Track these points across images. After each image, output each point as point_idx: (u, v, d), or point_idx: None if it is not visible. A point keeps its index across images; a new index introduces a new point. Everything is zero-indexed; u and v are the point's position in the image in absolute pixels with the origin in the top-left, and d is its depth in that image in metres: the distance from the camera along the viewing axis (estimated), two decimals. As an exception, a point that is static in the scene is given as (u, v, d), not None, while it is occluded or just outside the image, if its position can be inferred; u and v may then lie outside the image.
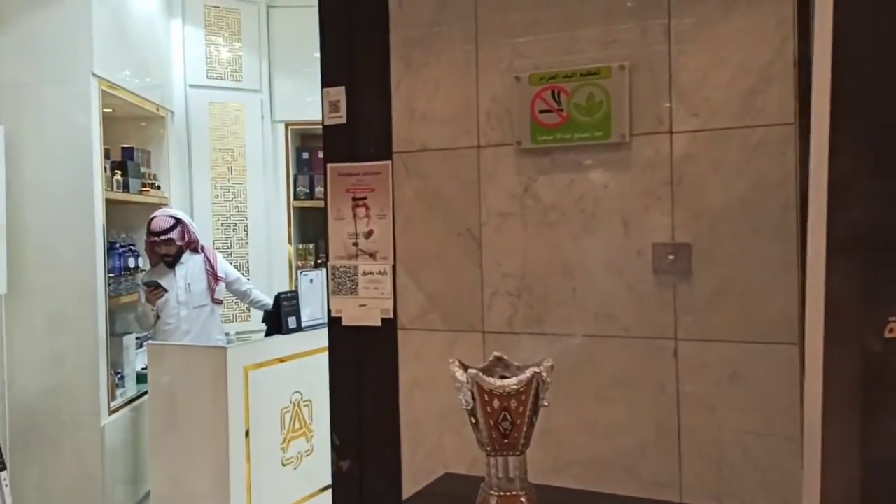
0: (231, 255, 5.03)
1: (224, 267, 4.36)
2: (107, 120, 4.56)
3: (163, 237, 4.11)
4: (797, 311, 1.70)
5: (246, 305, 4.77)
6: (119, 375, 4.24)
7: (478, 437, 1.35)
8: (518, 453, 1.33)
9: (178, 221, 4.19)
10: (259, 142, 5.18)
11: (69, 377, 3.81)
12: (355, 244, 2.21)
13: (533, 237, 2.03)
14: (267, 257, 5.19)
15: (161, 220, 4.15)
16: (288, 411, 3.77)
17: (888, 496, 1.22)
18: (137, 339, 4.48)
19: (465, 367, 1.33)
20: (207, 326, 4.22)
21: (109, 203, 4.22)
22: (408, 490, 2.17)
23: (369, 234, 2.19)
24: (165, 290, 4.08)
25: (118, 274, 4.39)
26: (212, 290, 4.26)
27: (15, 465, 3.75)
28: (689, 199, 1.82)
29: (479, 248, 2.09)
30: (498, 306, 2.07)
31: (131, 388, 4.29)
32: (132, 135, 4.77)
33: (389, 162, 2.17)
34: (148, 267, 4.37)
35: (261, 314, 4.28)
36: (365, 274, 2.20)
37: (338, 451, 2.27)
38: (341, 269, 2.23)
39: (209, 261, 4.27)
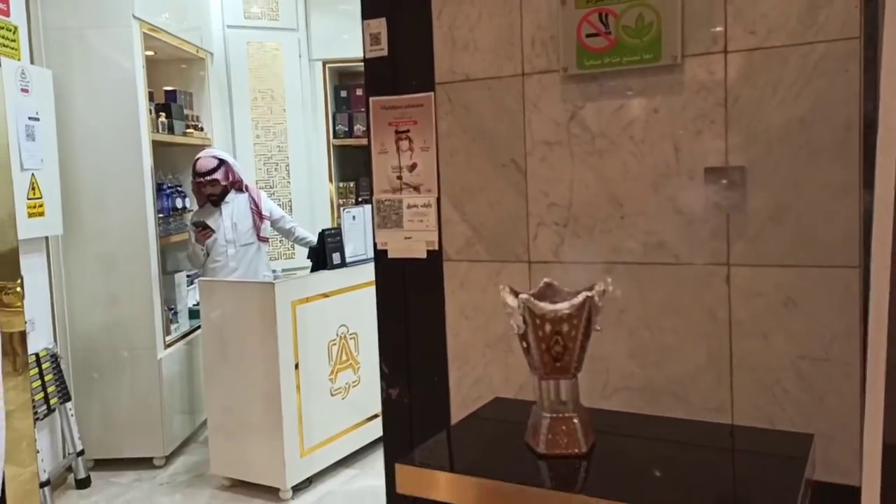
0: (274, 194, 5.03)
1: (268, 205, 4.36)
2: (149, 63, 4.54)
3: (207, 178, 4.11)
4: (858, 234, 1.62)
5: (291, 243, 4.79)
6: (172, 311, 4.32)
7: (529, 362, 1.32)
8: (571, 377, 1.30)
9: (222, 162, 4.18)
10: (297, 81, 5.11)
11: (125, 314, 3.89)
12: (399, 177, 2.16)
13: (579, 166, 1.95)
14: (308, 196, 5.18)
15: (205, 160, 4.14)
16: (335, 344, 3.81)
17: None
18: (188, 276, 4.54)
19: (515, 294, 1.29)
20: (254, 264, 4.25)
21: (155, 145, 4.23)
22: (456, 416, 2.17)
23: (413, 167, 2.14)
24: (213, 231, 4.10)
25: (167, 214, 4.43)
26: (257, 228, 4.27)
27: (79, 397, 3.88)
28: (745, 121, 1.72)
29: (524, 178, 2.02)
30: (544, 236, 2.02)
31: (184, 324, 4.37)
32: (174, 77, 4.74)
33: (432, 93, 2.10)
34: (195, 207, 4.40)
35: (305, 251, 4.29)
36: (410, 207, 2.16)
37: (387, 380, 2.28)
38: (386, 203, 2.19)
39: (253, 200, 4.27)
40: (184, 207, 4.61)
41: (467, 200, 2.10)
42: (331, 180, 5.22)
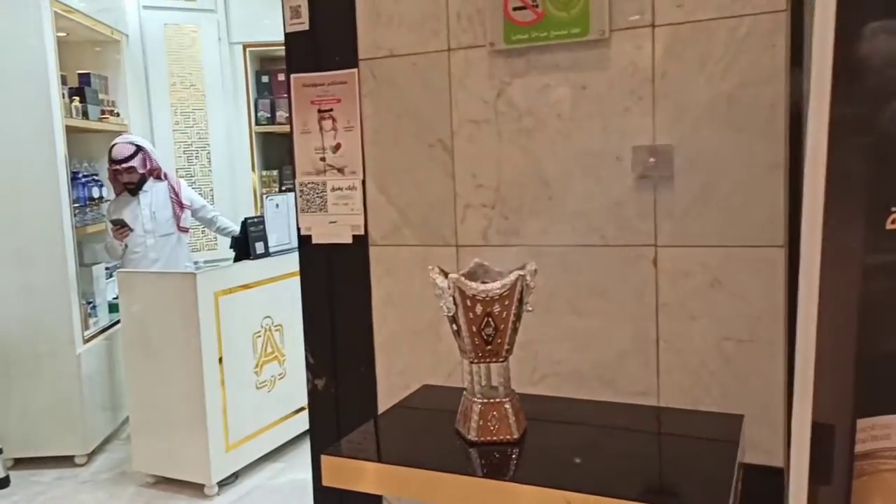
0: (194, 182, 4.78)
1: (188, 194, 4.13)
2: (61, 45, 4.23)
3: (124, 165, 3.85)
4: (783, 214, 1.58)
5: (213, 233, 4.56)
6: (91, 305, 4.05)
7: (460, 346, 1.22)
8: (502, 360, 1.20)
9: (139, 148, 3.92)
10: (217, 65, 4.86)
11: (41, 308, 3.62)
12: (323, 159, 2.02)
13: (507, 145, 1.86)
14: (231, 184, 4.94)
15: (121, 147, 3.88)
16: (259, 336, 3.63)
17: (887, 393, 1.12)
18: (107, 268, 4.27)
19: (445, 274, 1.19)
20: (175, 255, 4.02)
21: (70, 131, 3.94)
22: (384, 406, 2.06)
23: (337, 147, 2.01)
24: (131, 230, 3.83)
25: (83, 204, 4.15)
26: (177, 217, 4.03)
27: (-5, 396, 3.60)
28: (672, 98, 1.66)
29: (452, 158, 1.92)
30: (472, 219, 1.92)
31: (104, 318, 4.11)
32: (88, 61, 4.43)
33: (356, 70, 1.97)
34: (112, 196, 4.12)
35: (228, 242, 4.08)
36: (334, 190, 2.02)
37: (312, 370, 2.14)
38: (309, 186, 2.05)
39: (173, 188, 4.03)
40: (100, 197, 4.33)
41: (393, 182, 1.99)
42: (253, 169, 4.99)
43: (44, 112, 3.51)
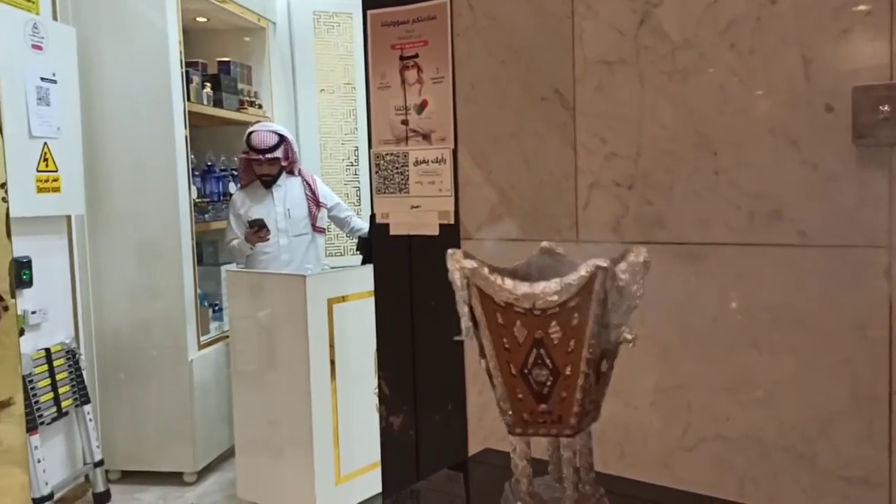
0: (340, 180, 4.62)
1: (324, 191, 3.92)
2: (203, 32, 4.25)
3: (269, 155, 3.64)
4: None
5: (346, 234, 4.32)
6: (216, 308, 3.97)
7: (496, 398, 0.74)
8: (569, 432, 0.70)
9: (282, 138, 3.72)
10: (369, 54, 4.67)
11: (157, 309, 3.57)
12: (405, 122, 1.62)
13: (653, 95, 1.34)
14: (379, 184, 4.72)
15: (264, 135, 3.68)
16: (383, 353, 3.30)
17: None
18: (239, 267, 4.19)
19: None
20: (308, 257, 3.81)
21: (203, 121, 3.91)
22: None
23: (422, 106, 1.59)
24: (269, 235, 3.65)
25: (216, 200, 4.11)
26: (313, 216, 3.82)
27: (105, 402, 3.60)
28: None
29: (573, 117, 1.43)
30: (599, 203, 1.42)
31: (228, 323, 4.02)
32: (233, 50, 4.42)
33: (447, 0, 1.55)
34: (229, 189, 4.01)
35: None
36: (417, 163, 1.61)
37: (386, 404, 1.74)
38: (387, 158, 1.66)
39: (308, 185, 3.83)
40: (237, 192, 4.27)
41: (493, 153, 1.53)
42: (403, 165, 4.74)
43: (165, 98, 3.47)
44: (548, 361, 0.67)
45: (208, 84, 3.91)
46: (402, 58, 1.60)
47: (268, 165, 3.68)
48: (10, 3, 2.92)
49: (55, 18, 3.27)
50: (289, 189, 3.78)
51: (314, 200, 3.83)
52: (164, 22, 3.43)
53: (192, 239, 3.60)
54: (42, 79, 3.06)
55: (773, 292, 1.26)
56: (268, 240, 3.61)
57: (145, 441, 3.61)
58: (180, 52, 3.53)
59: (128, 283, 3.58)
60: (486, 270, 0.67)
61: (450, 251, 0.74)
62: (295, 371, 3.04)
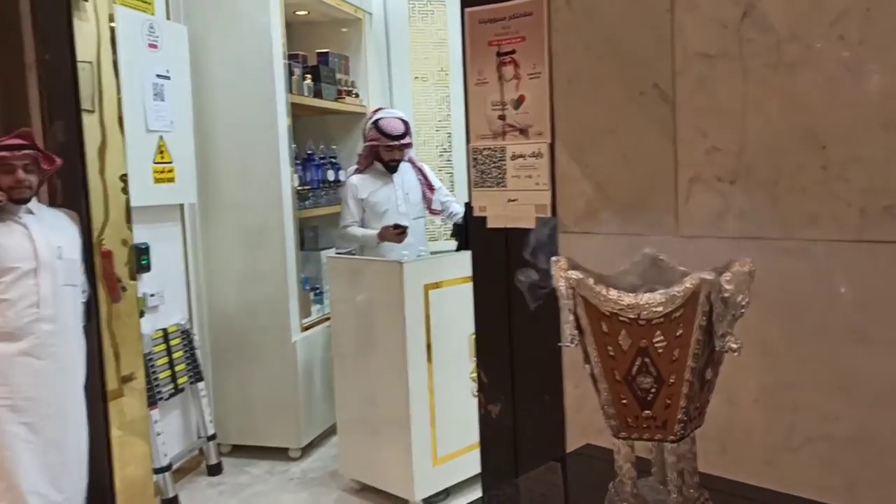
0: (434, 167, 4.66)
1: (433, 176, 3.97)
2: (303, 24, 4.37)
3: (402, 141, 3.68)
4: None
5: (443, 219, 4.36)
6: (316, 292, 4.11)
7: (599, 401, 0.76)
8: (673, 438, 0.72)
9: (407, 124, 3.76)
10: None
11: (263, 292, 3.72)
12: (501, 117, 1.64)
13: (757, 89, 1.31)
14: (472, 169, 4.75)
15: (395, 122, 3.70)
16: (478, 338, 3.35)
17: None
18: (338, 254, 4.32)
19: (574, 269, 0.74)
20: (422, 238, 3.86)
21: (304, 112, 4.03)
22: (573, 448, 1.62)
23: (520, 101, 1.61)
24: (405, 238, 3.61)
25: (316, 187, 4.23)
26: (427, 200, 3.86)
27: (216, 379, 3.79)
28: None
29: (673, 111, 1.41)
30: (701, 197, 1.40)
31: (328, 306, 4.15)
32: (333, 40, 4.53)
33: (545, -4, 1.55)
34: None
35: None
36: (515, 157, 1.63)
37: (485, 391, 1.77)
38: (485, 153, 1.68)
39: (420, 170, 3.88)
40: (336, 180, 4.39)
41: (591, 147, 1.53)
42: (496, 151, 4.74)
43: (269, 90, 3.59)
44: (652, 370, 0.68)
45: (309, 76, 4.02)
46: (499, 54, 1.62)
47: (398, 151, 3.71)
48: (129, 6, 3.09)
49: (168, 18, 3.44)
50: (405, 174, 3.81)
51: (427, 185, 3.88)
52: (268, 18, 3.55)
53: (296, 224, 3.73)
54: (157, 75, 3.23)
55: (886, 289, 1.22)
56: (403, 241, 3.60)
57: (254, 417, 3.79)
58: (283, 46, 3.65)
59: (235, 268, 3.75)
60: (591, 281, 0.68)
61: (553, 259, 0.76)
62: (392, 354, 3.13)
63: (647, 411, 0.70)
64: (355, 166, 3.87)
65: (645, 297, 0.67)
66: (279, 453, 3.76)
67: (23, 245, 2.45)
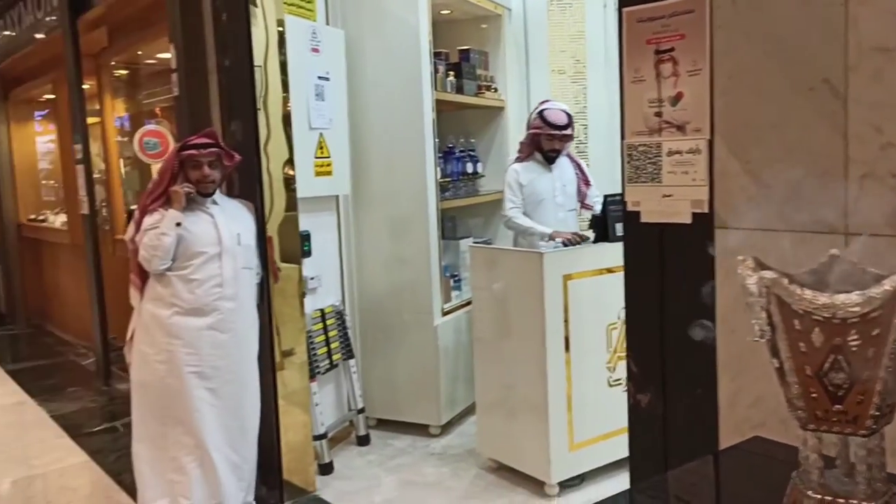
0: (572, 160, 4.64)
1: (588, 172, 3.94)
2: (446, 23, 4.46)
3: (566, 132, 3.66)
4: None
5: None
6: (455, 279, 4.21)
7: (786, 395, 0.76)
8: (865, 432, 0.71)
9: (570, 116, 3.73)
10: (601, 35, 4.62)
11: (407, 277, 3.85)
12: (658, 114, 1.62)
13: (940, 82, 1.24)
14: (609, 161, 4.68)
15: (559, 113, 3.67)
16: (615, 328, 3.32)
17: None
18: (475, 243, 4.40)
19: (762, 269, 0.74)
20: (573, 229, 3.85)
21: (445, 107, 4.11)
22: (727, 444, 1.60)
23: (677, 98, 1.59)
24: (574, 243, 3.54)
25: (455, 179, 4.32)
26: (582, 194, 3.85)
27: (364, 356, 3.97)
28: None
29: (844, 106, 1.35)
30: (874, 194, 1.34)
31: (467, 292, 4.24)
32: (472, 37, 4.60)
33: (707, -7, 1.52)
34: (486, 172, 4.17)
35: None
36: (671, 154, 1.61)
37: (635, 381, 1.78)
38: (640, 149, 1.67)
39: (577, 163, 3.86)
40: (474, 172, 4.47)
41: (753, 143, 1.49)
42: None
43: (416, 88, 3.70)
44: (845, 366, 0.68)
45: (451, 72, 4.11)
46: (657, 52, 1.60)
47: (559, 141, 3.68)
48: (295, 14, 3.28)
49: (327, 23, 3.61)
50: (563, 167, 3.80)
51: (584, 179, 3.86)
52: (417, 19, 3.66)
53: (438, 214, 3.84)
54: (319, 77, 3.41)
55: None
56: (579, 242, 3.54)
57: (397, 394, 3.94)
58: (430, 45, 3.75)
59: (383, 254, 3.90)
60: (785, 281, 0.69)
61: (740, 257, 0.77)
62: (531, 341, 3.16)
63: (838, 406, 0.69)
64: (516, 155, 3.88)
65: (841, 298, 0.66)
66: (420, 429, 3.89)
67: (209, 232, 2.68)
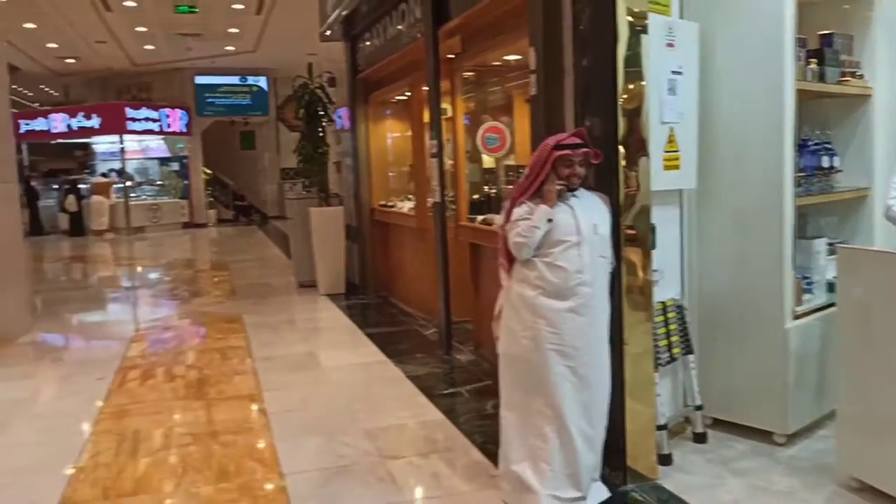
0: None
1: None
2: (802, 6, 4.14)
3: None
4: None
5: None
6: (807, 281, 3.90)
7: None
8: None
9: None
10: None
11: (752, 276, 3.64)
12: None
13: None
14: None
15: None
16: None
17: None
18: (829, 244, 4.04)
19: None
20: None
21: (804, 96, 3.83)
22: None
23: None
24: None
25: (810, 174, 3.99)
26: None
27: (702, 352, 3.85)
28: None
29: None
30: None
31: (820, 296, 3.90)
32: (831, 19, 4.20)
33: None
34: (843, 168, 3.79)
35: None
36: None
37: None
38: None
39: None
40: (830, 167, 4.08)
41: None
42: None
43: (774, 77, 3.49)
44: None
45: (813, 59, 3.80)
46: None
47: None
48: (652, 10, 3.29)
49: (681, 17, 3.58)
50: None
51: None
52: (780, 5, 3.45)
53: (794, 212, 3.58)
54: (672, 72, 3.39)
55: None
56: None
57: (736, 396, 3.74)
58: (794, 34, 3.51)
59: (726, 250, 3.72)
60: None
61: None
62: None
63: None
64: None
65: None
66: (761, 435, 3.65)
67: (569, 222, 2.84)
